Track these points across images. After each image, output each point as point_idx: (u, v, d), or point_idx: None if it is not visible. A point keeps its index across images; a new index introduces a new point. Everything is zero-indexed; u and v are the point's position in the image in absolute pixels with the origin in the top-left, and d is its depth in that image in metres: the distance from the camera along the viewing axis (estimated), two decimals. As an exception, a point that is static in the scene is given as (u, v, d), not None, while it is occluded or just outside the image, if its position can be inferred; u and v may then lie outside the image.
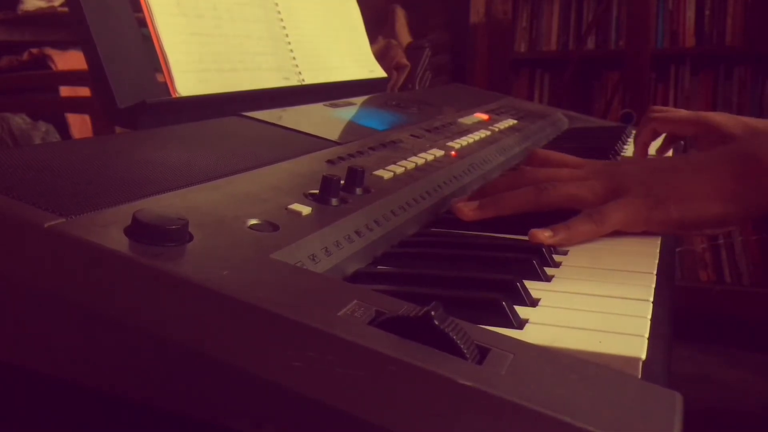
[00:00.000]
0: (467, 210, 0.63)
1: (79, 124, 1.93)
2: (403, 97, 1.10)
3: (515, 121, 1.08)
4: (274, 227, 0.45)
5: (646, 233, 0.60)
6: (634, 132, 1.24)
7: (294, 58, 0.95)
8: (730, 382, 1.10)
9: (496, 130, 0.98)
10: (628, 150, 1.08)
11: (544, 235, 0.57)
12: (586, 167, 0.67)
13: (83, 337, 0.34)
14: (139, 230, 0.37)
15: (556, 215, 0.60)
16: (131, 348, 0.32)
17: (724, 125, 0.90)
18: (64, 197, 0.41)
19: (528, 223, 0.60)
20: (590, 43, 2.40)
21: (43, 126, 1.99)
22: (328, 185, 0.53)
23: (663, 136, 1.01)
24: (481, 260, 0.53)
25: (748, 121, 0.91)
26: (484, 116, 1.05)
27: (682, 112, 0.98)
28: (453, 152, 0.79)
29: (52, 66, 1.98)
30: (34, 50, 2.02)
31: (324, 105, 0.89)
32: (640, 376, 0.36)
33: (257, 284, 0.36)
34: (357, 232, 0.51)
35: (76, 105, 1.77)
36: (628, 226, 0.60)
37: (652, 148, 1.01)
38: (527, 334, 0.39)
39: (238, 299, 0.33)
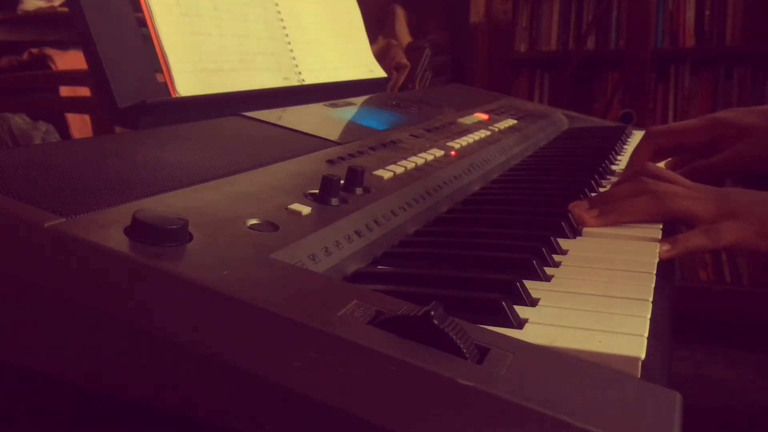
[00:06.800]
0: (588, 217, 0.65)
1: (79, 124, 1.93)
2: (403, 97, 1.10)
3: (515, 121, 1.08)
4: (274, 227, 0.45)
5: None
6: (634, 132, 1.24)
7: (294, 58, 0.95)
8: (730, 382, 1.10)
9: (496, 130, 0.98)
10: (628, 150, 1.08)
11: (662, 249, 0.58)
12: (696, 187, 0.68)
13: (83, 337, 0.34)
14: (139, 230, 0.37)
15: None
16: (131, 348, 0.32)
17: (739, 118, 0.87)
18: (64, 197, 0.41)
19: (525, 226, 0.60)
20: (590, 43, 2.40)
21: (43, 126, 1.99)
22: (328, 185, 0.53)
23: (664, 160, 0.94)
24: (481, 260, 0.53)
25: (761, 109, 0.88)
26: (484, 116, 1.05)
27: (689, 121, 0.92)
28: (453, 152, 0.79)
29: (52, 66, 1.98)
30: (34, 50, 2.02)
31: (324, 105, 0.89)
32: (639, 376, 0.36)
33: (257, 284, 0.36)
34: (357, 232, 0.51)
35: (76, 105, 1.76)
36: (736, 248, 0.62)
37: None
38: (527, 334, 0.39)
39: (238, 299, 0.33)
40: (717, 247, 0.62)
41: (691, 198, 0.65)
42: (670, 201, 0.65)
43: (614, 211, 0.65)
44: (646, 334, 0.40)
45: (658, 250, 0.57)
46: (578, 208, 0.65)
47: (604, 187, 0.82)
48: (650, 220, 0.65)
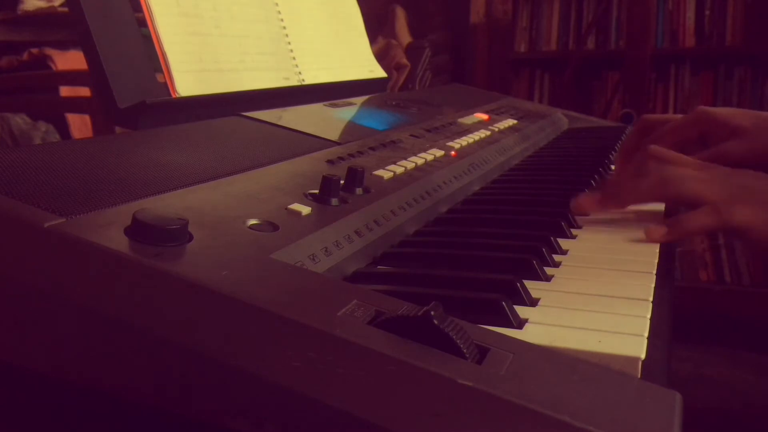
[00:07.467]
0: (589, 202, 0.62)
1: (79, 124, 1.93)
2: (403, 97, 1.10)
3: (515, 121, 1.08)
4: (274, 227, 0.45)
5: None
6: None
7: (294, 58, 0.95)
8: (730, 382, 1.10)
9: (496, 130, 0.98)
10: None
11: (659, 234, 0.56)
12: (705, 169, 0.66)
13: (83, 337, 0.34)
14: (139, 230, 0.37)
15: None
16: (131, 348, 0.32)
17: (730, 117, 0.86)
18: (64, 197, 0.41)
19: (525, 226, 0.60)
20: (590, 43, 2.40)
21: (43, 126, 2.00)
22: (328, 185, 0.53)
23: None
24: (481, 260, 0.53)
25: (753, 112, 0.89)
26: (484, 116, 1.05)
27: (679, 118, 0.91)
28: (453, 152, 0.79)
29: (52, 66, 1.98)
30: (34, 50, 2.03)
31: (324, 105, 0.89)
32: (639, 376, 0.36)
33: (257, 284, 0.36)
34: (357, 232, 0.51)
35: (76, 105, 1.77)
36: (747, 232, 0.60)
37: None
38: (527, 334, 0.39)
39: (238, 299, 0.33)
40: (727, 226, 0.59)
41: (699, 181, 0.63)
42: (678, 185, 0.62)
43: (616, 196, 0.62)
44: (646, 334, 0.40)
45: (657, 250, 0.57)
46: (581, 198, 0.64)
47: (604, 187, 0.82)
48: (652, 201, 0.62)
